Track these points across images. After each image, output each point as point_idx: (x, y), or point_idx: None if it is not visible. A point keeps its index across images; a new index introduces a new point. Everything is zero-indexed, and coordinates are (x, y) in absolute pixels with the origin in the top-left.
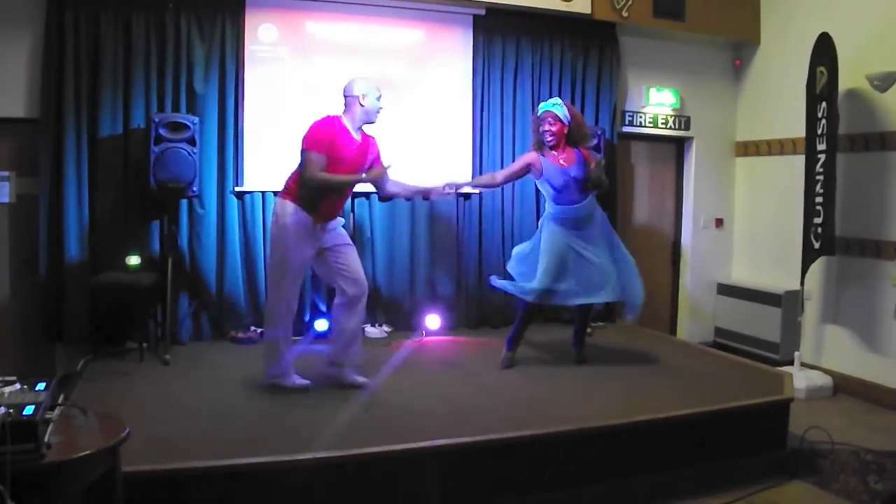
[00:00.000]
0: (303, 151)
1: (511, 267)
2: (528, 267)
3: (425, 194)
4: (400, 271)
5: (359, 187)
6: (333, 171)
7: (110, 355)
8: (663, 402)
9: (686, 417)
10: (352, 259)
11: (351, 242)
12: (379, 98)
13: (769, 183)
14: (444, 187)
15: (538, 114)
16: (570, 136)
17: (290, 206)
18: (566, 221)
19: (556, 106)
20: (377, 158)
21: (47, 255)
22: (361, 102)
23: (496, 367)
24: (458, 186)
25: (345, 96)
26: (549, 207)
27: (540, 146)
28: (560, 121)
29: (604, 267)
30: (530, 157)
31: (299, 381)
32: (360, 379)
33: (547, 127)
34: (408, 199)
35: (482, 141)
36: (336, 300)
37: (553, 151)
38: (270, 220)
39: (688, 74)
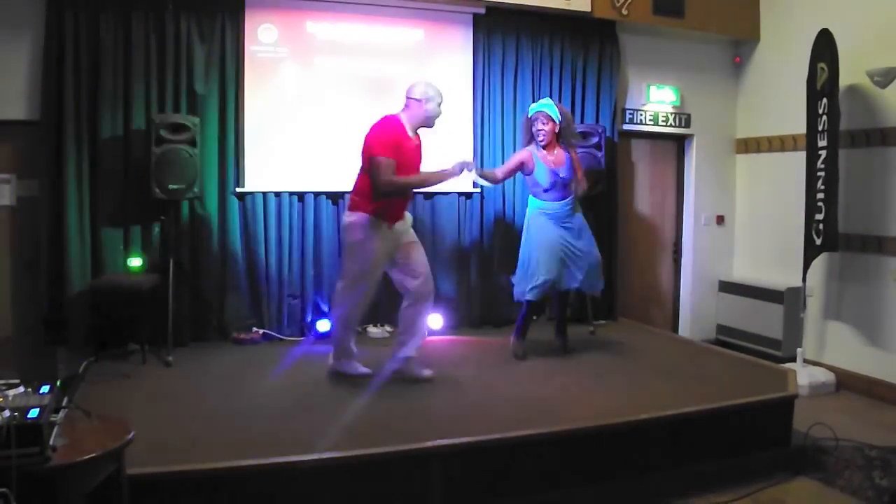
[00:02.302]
0: (371, 158)
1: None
2: (525, 268)
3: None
4: None
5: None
6: (400, 174)
7: (112, 357)
8: (667, 399)
9: (690, 415)
10: (419, 255)
11: (417, 240)
12: (440, 104)
13: (770, 179)
14: (457, 167)
15: (529, 114)
16: (560, 135)
17: (363, 218)
18: (554, 217)
19: (547, 106)
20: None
21: (48, 257)
22: (425, 106)
23: (499, 367)
24: (469, 166)
25: (407, 97)
26: (533, 203)
27: (530, 144)
28: (552, 120)
29: (588, 258)
30: (523, 154)
31: (361, 369)
32: (427, 372)
33: (540, 126)
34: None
35: (483, 139)
36: (404, 303)
37: (544, 150)
38: (343, 232)
39: (688, 72)
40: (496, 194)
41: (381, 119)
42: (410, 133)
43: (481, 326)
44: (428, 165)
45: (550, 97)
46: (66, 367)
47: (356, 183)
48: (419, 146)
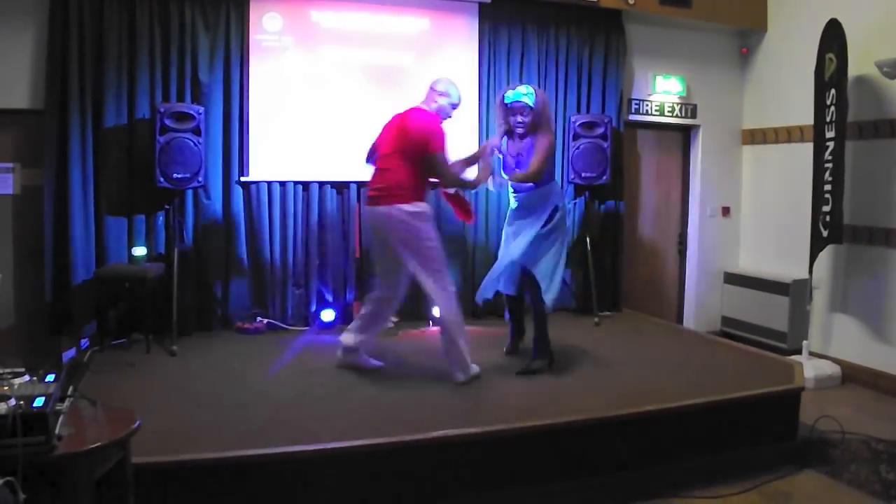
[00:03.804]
0: (437, 154)
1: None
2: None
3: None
4: None
5: None
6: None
7: (117, 347)
8: (673, 391)
9: (697, 407)
10: None
11: None
12: (454, 107)
13: (776, 171)
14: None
15: (507, 102)
16: (533, 123)
17: (425, 207)
18: (511, 208)
19: (528, 95)
20: None
21: (52, 246)
22: (441, 103)
23: (502, 357)
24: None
25: (431, 88)
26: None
27: (510, 133)
28: (532, 110)
29: (507, 258)
30: (493, 142)
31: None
32: (376, 362)
33: (521, 119)
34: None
35: (488, 130)
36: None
37: (518, 139)
38: (402, 227)
39: (694, 62)
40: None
41: (425, 113)
42: None
43: (485, 316)
44: None
45: (556, 87)
46: (73, 353)
47: (399, 175)
48: None
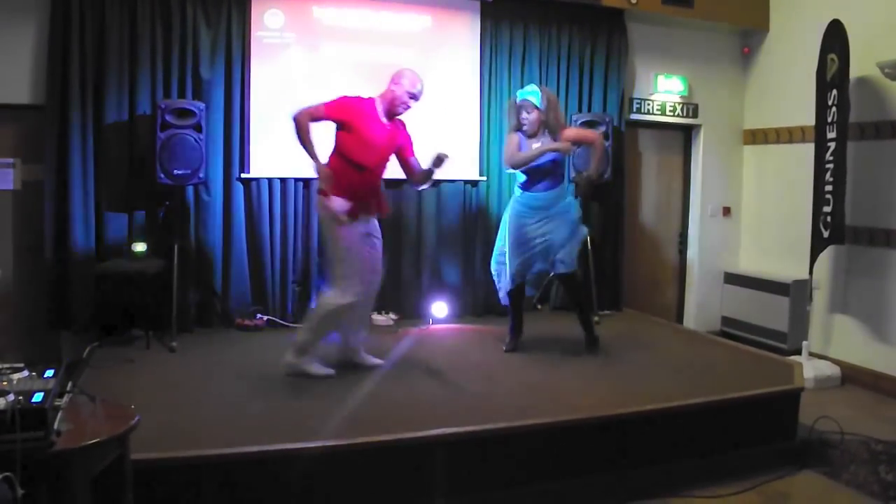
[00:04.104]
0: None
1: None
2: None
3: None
4: (407, 259)
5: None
6: (360, 153)
7: (116, 343)
8: (672, 391)
9: (696, 407)
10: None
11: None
12: (412, 96)
13: (777, 171)
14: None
15: (516, 101)
16: (545, 122)
17: (336, 201)
18: (528, 206)
19: (532, 93)
20: (408, 146)
21: (52, 242)
22: (392, 88)
23: (502, 355)
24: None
25: (390, 79)
26: (515, 194)
27: (519, 129)
28: (537, 108)
29: (552, 239)
30: (515, 139)
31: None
32: (375, 360)
33: (525, 115)
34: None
35: (489, 128)
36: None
37: (530, 138)
38: (319, 219)
39: (696, 62)
40: (501, 182)
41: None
42: (382, 116)
43: (484, 314)
44: (432, 153)
45: (558, 86)
46: (69, 351)
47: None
48: (393, 132)
